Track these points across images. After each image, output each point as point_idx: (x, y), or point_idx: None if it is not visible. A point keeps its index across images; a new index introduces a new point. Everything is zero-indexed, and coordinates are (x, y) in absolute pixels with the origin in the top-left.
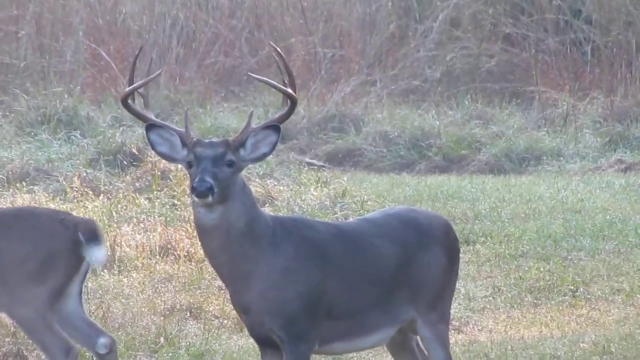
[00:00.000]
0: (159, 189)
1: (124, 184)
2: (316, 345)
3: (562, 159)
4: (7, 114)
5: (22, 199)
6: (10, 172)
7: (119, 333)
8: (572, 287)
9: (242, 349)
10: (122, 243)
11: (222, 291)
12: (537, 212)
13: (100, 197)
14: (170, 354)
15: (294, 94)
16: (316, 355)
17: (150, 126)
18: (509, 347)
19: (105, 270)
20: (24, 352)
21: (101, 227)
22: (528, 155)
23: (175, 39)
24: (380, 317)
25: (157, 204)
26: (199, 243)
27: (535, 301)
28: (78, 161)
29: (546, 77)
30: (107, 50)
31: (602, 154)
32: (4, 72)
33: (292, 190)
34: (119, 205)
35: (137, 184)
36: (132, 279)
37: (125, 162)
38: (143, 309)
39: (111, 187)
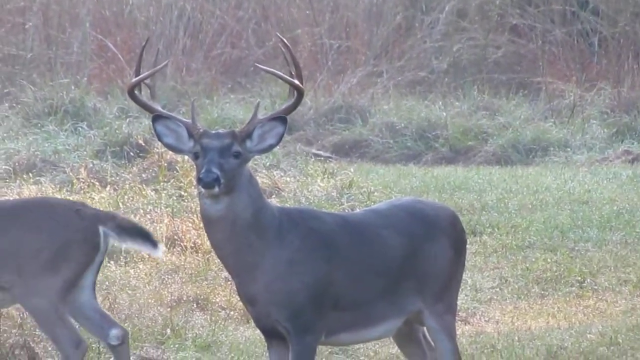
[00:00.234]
0: (165, 180)
1: (130, 175)
2: (322, 336)
3: (569, 150)
4: (14, 105)
5: (28, 190)
6: (17, 164)
7: (126, 324)
8: (579, 278)
9: (249, 340)
10: None
11: (229, 282)
12: (544, 203)
13: (107, 189)
14: (176, 345)
15: (300, 85)
16: (322, 347)
17: (157, 117)
18: (516, 338)
19: (112, 262)
20: (31, 343)
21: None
22: (535, 146)
23: (182, 30)
24: (386, 308)
25: (163, 195)
26: (205, 234)
27: (542, 292)
28: (85, 152)
29: (553, 68)
30: (114, 42)
31: (609, 145)
32: (11, 63)
33: (298, 181)
34: (126, 197)
35: (143, 175)
36: (138, 271)
37: (131, 153)
38: (150, 301)
39: (118, 178)
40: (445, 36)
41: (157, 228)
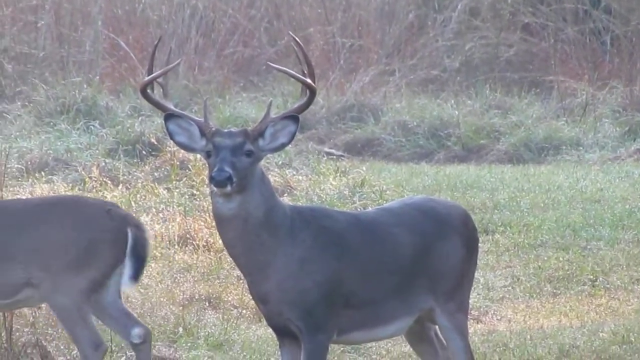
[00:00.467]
0: (177, 178)
1: (142, 173)
2: (334, 334)
3: (581, 148)
4: (26, 104)
5: (41, 189)
6: (29, 162)
7: None
8: (592, 277)
9: (261, 339)
10: None
11: (241, 281)
12: (556, 202)
13: (119, 187)
14: (189, 344)
15: (313, 84)
16: (334, 345)
17: (169, 116)
18: (528, 336)
19: None
20: (43, 342)
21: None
22: (547, 145)
23: (194, 29)
24: (398, 307)
25: (176, 193)
26: (218, 233)
27: (555, 291)
28: (97, 151)
29: (565, 66)
30: (126, 40)
31: (622, 144)
32: (23, 62)
33: (310, 180)
34: (138, 195)
35: (156, 174)
36: (150, 269)
37: (144, 152)
38: (162, 299)
39: (130, 177)
40: (457, 35)
41: (170, 227)
